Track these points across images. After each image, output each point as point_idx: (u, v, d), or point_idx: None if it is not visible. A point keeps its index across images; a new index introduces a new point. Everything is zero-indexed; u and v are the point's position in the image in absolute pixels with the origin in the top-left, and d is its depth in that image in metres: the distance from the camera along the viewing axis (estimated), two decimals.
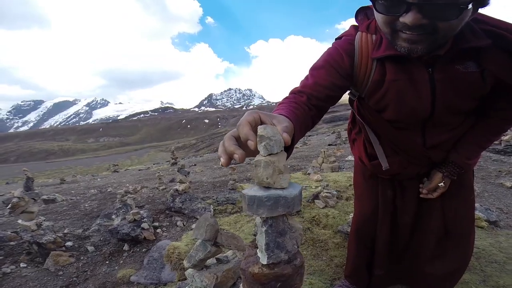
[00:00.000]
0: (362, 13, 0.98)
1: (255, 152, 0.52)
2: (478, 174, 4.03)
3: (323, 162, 5.48)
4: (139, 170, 12.48)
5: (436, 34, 0.71)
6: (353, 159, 5.96)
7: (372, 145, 1.16)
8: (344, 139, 11.01)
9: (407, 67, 0.87)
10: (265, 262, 0.50)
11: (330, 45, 0.99)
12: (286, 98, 0.89)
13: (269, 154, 0.48)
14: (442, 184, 1.06)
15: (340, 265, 1.85)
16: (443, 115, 0.93)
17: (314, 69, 0.95)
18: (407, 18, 0.70)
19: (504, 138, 5.07)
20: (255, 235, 0.55)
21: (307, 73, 0.96)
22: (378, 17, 0.79)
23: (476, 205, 2.58)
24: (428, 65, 0.86)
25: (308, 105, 0.86)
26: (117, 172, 12.41)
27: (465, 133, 1.02)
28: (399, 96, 0.92)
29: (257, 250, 0.54)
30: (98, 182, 7.94)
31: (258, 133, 0.49)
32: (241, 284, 0.55)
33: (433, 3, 0.65)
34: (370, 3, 0.78)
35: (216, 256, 1.06)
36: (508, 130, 5.41)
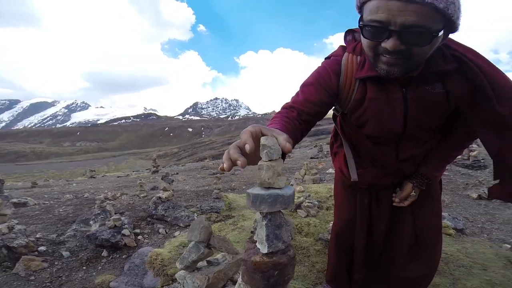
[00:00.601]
0: (350, 35, 1.08)
1: (254, 161, 0.61)
2: (448, 186, 4.32)
3: (305, 174, 5.60)
4: (118, 177, 12.07)
5: (410, 58, 0.82)
6: (333, 171, 6.15)
7: (352, 158, 1.25)
8: (325, 152, 11.29)
9: (385, 87, 0.97)
10: (265, 251, 0.57)
11: (317, 58, 1.09)
12: (279, 112, 0.98)
13: (270, 160, 0.57)
14: (413, 193, 1.17)
15: (321, 271, 1.92)
16: (414, 131, 1.04)
17: (304, 86, 1.04)
18: (388, 44, 0.80)
19: (472, 154, 5.44)
20: (253, 232, 0.62)
21: (295, 87, 1.05)
22: (364, 41, 0.88)
23: (445, 214, 2.76)
24: (403, 86, 0.96)
25: (298, 120, 0.94)
26: (94, 178, 11.93)
27: (433, 149, 1.13)
28: (377, 114, 1.01)
29: (256, 243, 0.60)
30: (73, 187, 7.61)
31: (261, 143, 0.58)
32: (239, 278, 0.61)
33: (410, 31, 0.76)
34: (354, 21, 0.88)
35: (207, 259, 1.09)
36: (475, 146, 5.82)
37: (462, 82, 0.90)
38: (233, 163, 0.58)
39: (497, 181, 0.98)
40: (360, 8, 0.86)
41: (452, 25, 0.80)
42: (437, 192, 1.29)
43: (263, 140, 0.58)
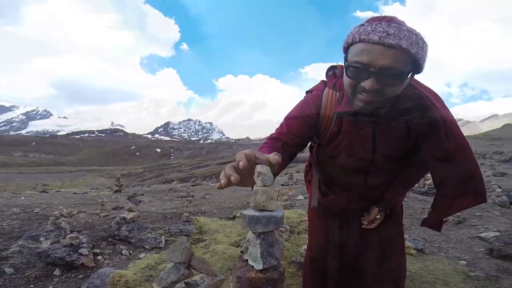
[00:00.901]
0: (331, 71, 1.19)
1: (245, 183, 0.69)
2: (407, 211, 4.68)
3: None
4: (74, 193, 11.07)
5: (383, 97, 0.93)
6: (303, 198, 6.30)
7: (325, 185, 1.35)
8: (295, 180, 11.50)
9: (358, 122, 1.07)
10: (260, 268, 0.61)
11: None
12: (265, 143, 1.05)
13: (264, 185, 0.65)
14: (378, 216, 1.28)
15: None
16: (380, 162, 1.15)
17: (288, 118, 1.12)
18: (366, 84, 0.91)
19: (427, 182, 5.99)
20: (242, 252, 0.66)
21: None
22: (346, 80, 0.98)
23: (406, 236, 2.98)
24: (373, 121, 1.07)
25: (282, 151, 1.01)
26: (46, 192, 10.83)
27: (396, 177, 1.26)
28: (349, 146, 1.12)
29: (248, 261, 0.64)
30: (21, 200, 6.85)
31: (256, 170, 0.66)
32: None
33: (386, 73, 0.88)
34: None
35: (185, 280, 1.07)
36: (430, 175, 6.41)
37: (421, 118, 1.03)
38: (228, 180, 0.64)
39: (430, 210, 1.12)
40: (346, 49, 0.97)
41: (418, 67, 0.93)
42: (399, 216, 1.42)
43: (258, 168, 0.65)
